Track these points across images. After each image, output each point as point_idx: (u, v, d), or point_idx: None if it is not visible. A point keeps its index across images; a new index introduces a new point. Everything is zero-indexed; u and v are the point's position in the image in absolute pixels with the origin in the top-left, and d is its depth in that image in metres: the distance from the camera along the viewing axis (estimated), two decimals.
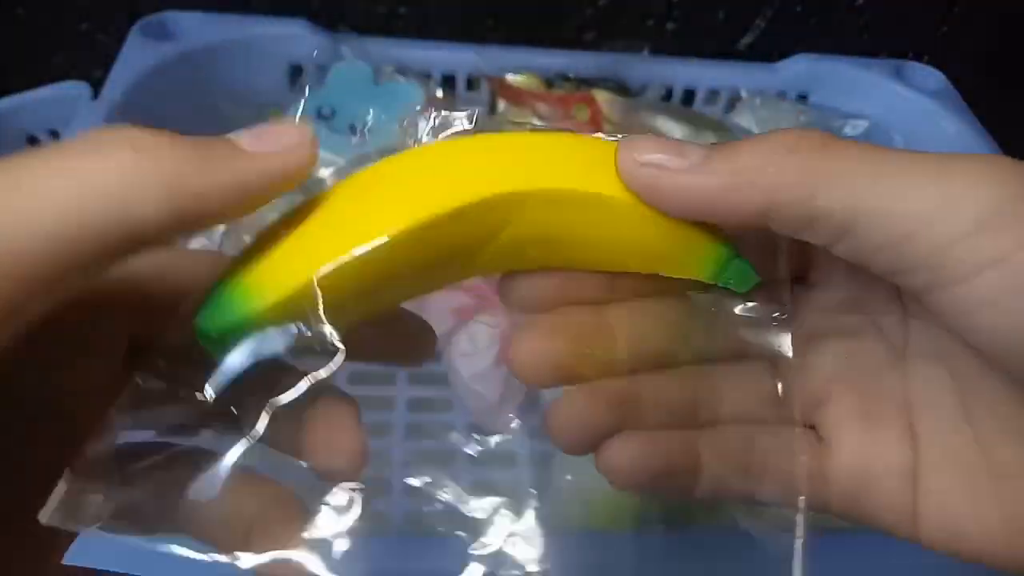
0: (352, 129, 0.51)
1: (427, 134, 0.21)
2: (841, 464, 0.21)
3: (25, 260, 0.13)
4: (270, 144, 0.17)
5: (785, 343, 0.21)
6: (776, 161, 0.18)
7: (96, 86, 0.51)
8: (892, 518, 0.20)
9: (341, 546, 0.30)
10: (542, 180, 0.20)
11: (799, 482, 0.21)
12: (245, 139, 0.17)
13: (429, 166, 0.20)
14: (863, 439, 0.21)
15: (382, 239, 0.18)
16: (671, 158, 0.19)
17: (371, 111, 0.52)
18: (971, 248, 0.17)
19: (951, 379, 0.20)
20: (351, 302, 0.19)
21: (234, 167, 0.16)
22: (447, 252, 0.20)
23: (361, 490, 0.19)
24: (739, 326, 0.22)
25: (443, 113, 0.21)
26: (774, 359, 0.22)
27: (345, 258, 0.18)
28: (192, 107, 0.53)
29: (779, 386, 0.22)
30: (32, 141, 0.53)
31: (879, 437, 0.21)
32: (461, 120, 0.21)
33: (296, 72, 0.57)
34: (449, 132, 0.21)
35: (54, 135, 0.53)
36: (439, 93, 0.56)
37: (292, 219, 0.19)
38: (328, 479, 0.19)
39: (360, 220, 0.19)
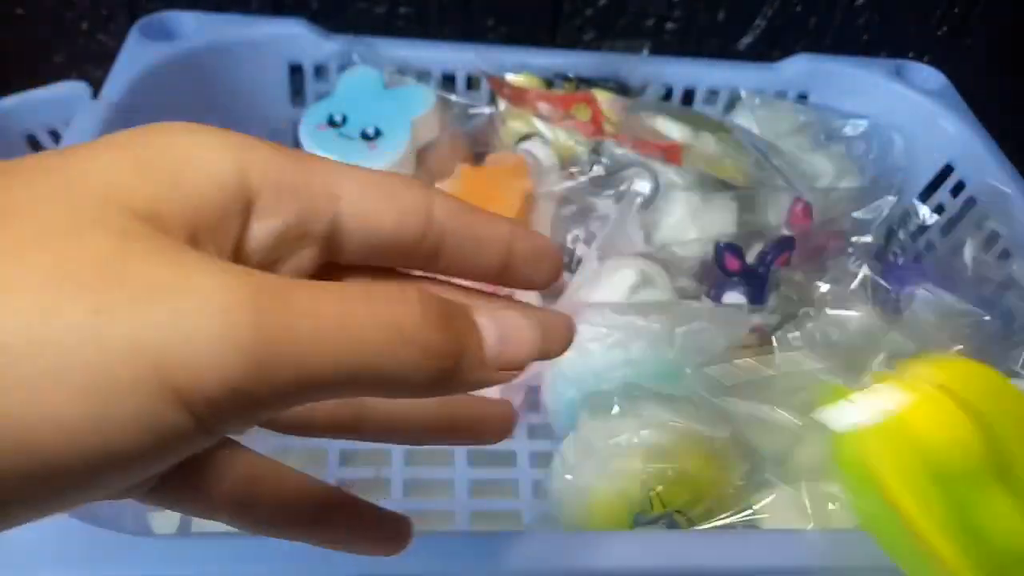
0: (364, 135, 0.51)
1: None
2: None
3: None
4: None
5: None
6: None
7: (96, 86, 0.51)
8: None
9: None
10: None
11: None
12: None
13: None
14: None
15: None
16: None
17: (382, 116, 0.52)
18: None
19: None
20: None
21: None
22: None
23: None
24: None
25: None
26: None
27: None
28: (192, 107, 0.53)
29: None
30: (32, 141, 0.53)
31: None
32: None
33: (296, 72, 0.57)
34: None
35: (54, 135, 0.53)
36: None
37: None
38: None
39: None
